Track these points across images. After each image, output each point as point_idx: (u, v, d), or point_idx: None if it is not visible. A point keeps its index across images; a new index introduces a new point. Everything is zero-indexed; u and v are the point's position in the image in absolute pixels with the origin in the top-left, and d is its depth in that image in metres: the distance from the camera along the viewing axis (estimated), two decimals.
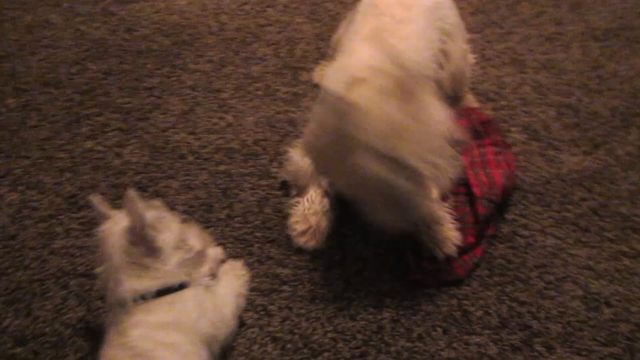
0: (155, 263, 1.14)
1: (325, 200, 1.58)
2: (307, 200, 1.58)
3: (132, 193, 1.09)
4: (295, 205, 1.60)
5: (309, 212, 1.56)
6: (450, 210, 1.54)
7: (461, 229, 1.50)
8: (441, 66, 1.73)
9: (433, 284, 1.45)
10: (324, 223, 1.56)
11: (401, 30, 1.59)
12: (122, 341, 1.08)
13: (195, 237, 1.24)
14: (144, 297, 1.11)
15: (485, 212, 1.51)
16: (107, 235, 1.16)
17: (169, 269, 1.15)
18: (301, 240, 1.53)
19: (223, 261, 1.40)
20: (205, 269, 1.25)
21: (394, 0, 1.66)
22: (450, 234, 1.48)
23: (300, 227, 1.55)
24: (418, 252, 1.48)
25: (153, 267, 1.13)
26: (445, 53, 1.74)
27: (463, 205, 1.58)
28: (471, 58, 2.00)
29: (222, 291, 1.27)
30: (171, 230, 1.18)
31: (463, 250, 1.48)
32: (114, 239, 1.14)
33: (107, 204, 1.22)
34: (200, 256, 1.24)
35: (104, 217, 1.20)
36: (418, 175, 1.24)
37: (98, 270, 1.19)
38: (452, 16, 1.80)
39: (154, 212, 1.16)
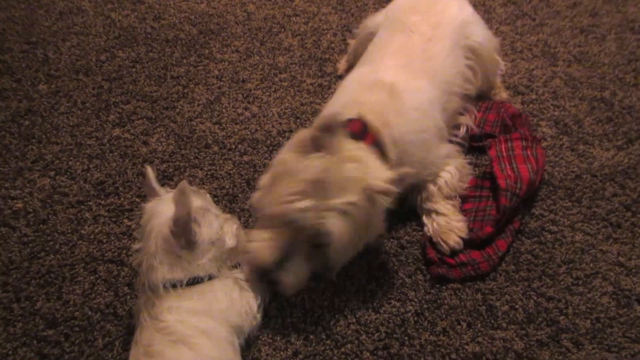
0: (189, 256, 1.16)
1: None
2: None
3: (184, 184, 1.09)
4: None
5: None
6: (455, 204, 1.54)
7: (482, 220, 1.50)
8: (469, 82, 1.73)
9: (456, 279, 1.44)
10: None
11: (430, 49, 1.60)
12: (159, 326, 1.10)
13: (230, 235, 1.25)
14: (174, 286, 1.13)
15: (507, 204, 1.48)
16: (152, 215, 1.17)
17: (200, 263, 1.16)
18: None
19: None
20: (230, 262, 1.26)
21: (420, 18, 1.67)
22: (455, 225, 1.48)
23: None
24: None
25: (186, 259, 1.15)
26: (472, 69, 1.73)
27: (486, 199, 1.56)
28: (502, 65, 1.99)
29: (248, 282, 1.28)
30: (211, 226, 1.19)
31: (483, 241, 1.47)
32: (157, 223, 1.15)
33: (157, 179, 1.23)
34: (231, 253, 1.25)
35: (152, 193, 1.22)
36: None
37: (135, 246, 1.21)
38: (479, 30, 1.78)
39: (199, 203, 1.16)
